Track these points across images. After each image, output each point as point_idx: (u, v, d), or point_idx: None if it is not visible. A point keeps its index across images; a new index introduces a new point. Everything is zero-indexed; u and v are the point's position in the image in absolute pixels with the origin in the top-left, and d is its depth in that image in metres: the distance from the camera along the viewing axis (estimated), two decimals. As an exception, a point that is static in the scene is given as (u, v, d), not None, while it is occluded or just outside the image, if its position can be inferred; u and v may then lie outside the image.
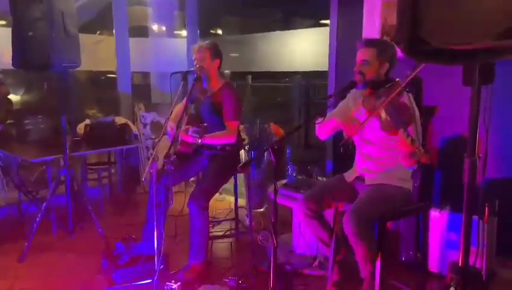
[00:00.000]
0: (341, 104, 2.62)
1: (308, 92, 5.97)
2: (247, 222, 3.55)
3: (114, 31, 4.85)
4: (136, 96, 5.18)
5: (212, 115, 2.96)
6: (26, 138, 4.16)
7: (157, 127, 4.91)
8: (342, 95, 2.58)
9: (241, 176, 3.76)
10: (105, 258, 2.86)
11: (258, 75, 5.47)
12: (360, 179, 2.52)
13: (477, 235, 2.36)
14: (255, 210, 4.13)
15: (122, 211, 4.22)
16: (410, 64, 1.98)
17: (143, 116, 4.92)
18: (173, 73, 3.01)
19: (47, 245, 3.34)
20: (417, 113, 2.27)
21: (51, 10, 2.94)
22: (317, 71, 4.69)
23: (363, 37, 3.39)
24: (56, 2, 2.97)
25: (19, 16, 2.96)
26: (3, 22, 4.58)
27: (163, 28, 5.64)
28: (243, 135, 3.84)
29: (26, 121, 4.20)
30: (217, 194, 3.19)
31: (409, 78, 2.03)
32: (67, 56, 3.06)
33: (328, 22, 3.85)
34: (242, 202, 3.93)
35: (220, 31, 7.09)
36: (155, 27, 5.61)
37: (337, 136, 2.56)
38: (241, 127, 3.82)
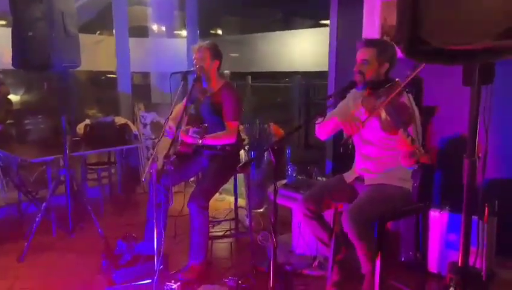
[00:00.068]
0: (341, 104, 2.62)
1: (308, 92, 5.97)
2: (247, 222, 3.55)
3: (114, 31, 4.85)
4: (136, 96, 5.18)
5: (212, 115, 2.96)
6: (26, 138, 4.16)
7: (157, 127, 4.91)
8: (341, 95, 2.58)
9: (241, 176, 3.76)
10: (105, 258, 2.86)
11: (258, 75, 5.47)
12: (359, 179, 2.52)
13: (476, 235, 2.37)
14: (255, 210, 4.13)
15: (122, 211, 4.22)
16: (410, 64, 1.98)
17: (143, 116, 4.92)
18: (173, 73, 3.00)
19: (47, 245, 3.34)
20: (417, 113, 2.27)
21: (51, 10, 2.94)
22: (317, 71, 4.69)
23: (363, 37, 3.39)
24: (56, 2, 2.97)
25: (19, 16, 2.96)
26: (3, 22, 4.58)
27: (163, 28, 5.64)
28: (243, 135, 3.84)
29: (26, 121, 4.21)
30: (217, 194, 3.19)
31: (409, 79, 2.03)
32: (67, 56, 3.06)
33: (328, 22, 3.85)
34: (242, 202, 3.93)
35: (220, 31, 7.09)
36: (155, 27, 5.61)
37: (337, 137, 2.56)
38: (241, 127, 3.82)
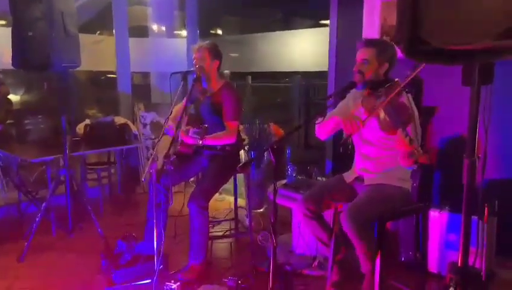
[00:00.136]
0: (341, 104, 2.62)
1: (308, 92, 5.97)
2: (246, 222, 3.55)
3: (114, 31, 4.85)
4: (136, 96, 5.18)
5: (212, 115, 2.96)
6: (26, 138, 4.16)
7: (156, 127, 4.91)
8: (341, 95, 2.58)
9: (240, 176, 3.76)
10: (104, 258, 2.86)
11: (258, 75, 5.47)
12: (359, 179, 2.52)
13: (476, 235, 2.36)
14: (255, 210, 4.13)
15: (122, 211, 4.22)
16: (410, 64, 1.98)
17: (143, 116, 4.92)
18: (173, 73, 3.00)
19: (46, 245, 3.34)
20: (416, 113, 2.27)
21: (51, 10, 2.94)
22: (317, 71, 4.69)
23: (363, 37, 3.39)
24: (56, 2, 2.97)
25: (19, 16, 2.96)
26: (3, 22, 4.59)
27: (163, 28, 5.64)
28: (243, 135, 3.84)
29: (26, 121, 4.21)
30: (217, 194, 3.19)
31: (409, 79, 2.03)
32: (67, 56, 3.06)
33: (328, 22, 3.85)
34: (242, 202, 3.93)
35: (220, 31, 7.09)
36: (155, 27, 5.61)
37: (337, 137, 2.56)
38: (241, 127, 3.82)
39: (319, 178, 3.38)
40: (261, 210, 4.22)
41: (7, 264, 3.06)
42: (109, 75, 5.80)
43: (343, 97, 2.62)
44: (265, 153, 3.84)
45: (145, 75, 6.00)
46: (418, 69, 1.96)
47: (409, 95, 2.30)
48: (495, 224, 2.63)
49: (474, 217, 2.15)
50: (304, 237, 3.02)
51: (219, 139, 2.92)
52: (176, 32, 5.75)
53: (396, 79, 2.21)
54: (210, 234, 3.01)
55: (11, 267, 3.03)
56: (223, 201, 4.38)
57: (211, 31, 6.75)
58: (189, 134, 2.78)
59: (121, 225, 3.67)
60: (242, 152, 3.83)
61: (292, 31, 4.93)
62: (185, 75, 2.93)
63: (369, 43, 2.39)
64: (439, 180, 3.20)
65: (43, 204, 3.29)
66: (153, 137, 4.91)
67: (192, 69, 2.90)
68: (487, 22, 1.10)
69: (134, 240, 2.90)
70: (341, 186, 2.55)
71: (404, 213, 2.45)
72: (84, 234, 3.57)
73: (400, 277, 2.62)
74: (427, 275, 2.72)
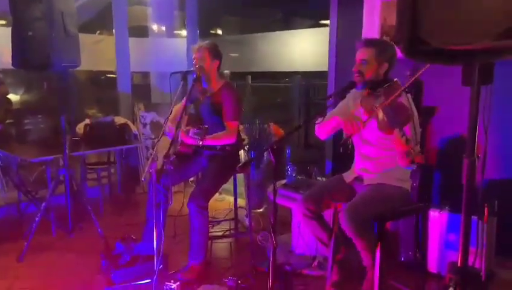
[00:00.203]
0: (341, 104, 2.62)
1: (308, 92, 5.97)
2: (246, 222, 3.55)
3: (114, 30, 4.85)
4: (136, 96, 5.18)
5: (212, 115, 2.96)
6: (26, 137, 4.16)
7: (156, 127, 4.91)
8: (341, 95, 2.58)
9: (240, 176, 3.76)
10: (104, 258, 2.86)
11: (258, 75, 5.46)
12: (359, 179, 2.52)
13: (476, 235, 2.36)
14: (255, 210, 4.13)
15: (122, 211, 4.22)
16: (410, 64, 1.97)
17: (143, 116, 4.92)
18: (173, 73, 3.00)
19: (46, 245, 3.34)
20: (415, 113, 2.27)
21: (51, 10, 2.94)
22: (317, 71, 4.69)
23: (362, 37, 3.39)
24: (56, 2, 2.97)
25: (19, 16, 2.96)
26: (3, 22, 4.58)
27: (163, 28, 5.64)
28: (243, 135, 3.84)
29: (25, 121, 4.20)
30: (217, 194, 3.19)
31: (412, 80, 2.02)
32: (67, 56, 3.06)
33: (328, 22, 3.85)
34: (241, 202, 3.93)
35: (220, 31, 7.09)
36: (155, 27, 5.61)
37: (337, 137, 2.56)
38: (241, 127, 3.82)
39: (318, 178, 3.38)
40: (261, 210, 4.22)
41: (7, 264, 3.06)
42: (109, 75, 5.80)
43: (343, 97, 2.62)
44: (265, 153, 3.84)
45: (145, 75, 6.00)
46: (421, 71, 1.95)
47: (409, 95, 2.30)
48: (495, 224, 2.63)
49: (474, 217, 2.16)
50: (304, 237, 3.02)
51: (219, 139, 2.92)
52: (175, 32, 5.75)
53: (395, 79, 2.21)
54: (210, 234, 3.01)
55: (11, 267, 3.03)
56: (222, 201, 4.38)
57: (211, 31, 6.75)
58: (190, 134, 2.78)
59: (121, 225, 3.67)
60: (242, 152, 3.83)
61: (292, 31, 4.93)
62: (184, 75, 2.92)
63: (369, 43, 2.39)
64: (439, 180, 3.20)
65: (43, 204, 3.29)
66: (153, 137, 4.91)
67: (192, 69, 2.90)
68: (487, 22, 1.10)
69: (133, 242, 2.90)
70: (341, 186, 2.56)
71: (404, 213, 2.45)
72: (84, 234, 3.57)
73: (400, 277, 2.62)
74: (426, 275, 2.72)
